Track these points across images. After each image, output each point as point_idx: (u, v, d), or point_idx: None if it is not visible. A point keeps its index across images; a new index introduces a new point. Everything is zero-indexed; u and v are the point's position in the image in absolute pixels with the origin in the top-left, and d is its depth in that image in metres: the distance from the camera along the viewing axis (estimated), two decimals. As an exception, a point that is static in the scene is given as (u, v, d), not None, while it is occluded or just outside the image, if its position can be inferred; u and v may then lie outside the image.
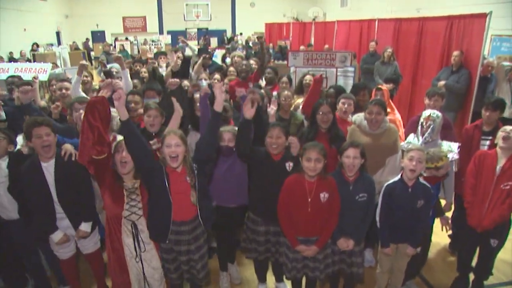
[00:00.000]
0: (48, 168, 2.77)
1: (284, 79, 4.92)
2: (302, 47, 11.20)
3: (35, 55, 12.19)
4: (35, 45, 15.00)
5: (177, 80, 3.69)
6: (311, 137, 3.27)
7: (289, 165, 2.87)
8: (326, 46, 10.73)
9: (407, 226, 2.88)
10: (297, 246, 2.77)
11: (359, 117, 3.42)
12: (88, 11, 21.84)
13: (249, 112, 2.72)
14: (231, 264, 3.50)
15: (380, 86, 4.35)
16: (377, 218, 2.94)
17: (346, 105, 3.68)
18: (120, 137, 2.70)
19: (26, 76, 4.72)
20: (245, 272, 3.62)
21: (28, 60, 11.71)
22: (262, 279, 3.35)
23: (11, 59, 12.31)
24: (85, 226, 2.89)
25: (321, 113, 3.25)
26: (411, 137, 3.41)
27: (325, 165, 2.67)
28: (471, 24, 5.79)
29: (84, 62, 4.54)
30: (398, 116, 4.06)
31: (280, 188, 2.76)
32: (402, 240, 2.96)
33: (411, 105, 7.40)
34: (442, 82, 5.68)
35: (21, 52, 13.81)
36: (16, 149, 3.05)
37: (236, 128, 3.00)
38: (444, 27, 6.40)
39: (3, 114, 3.31)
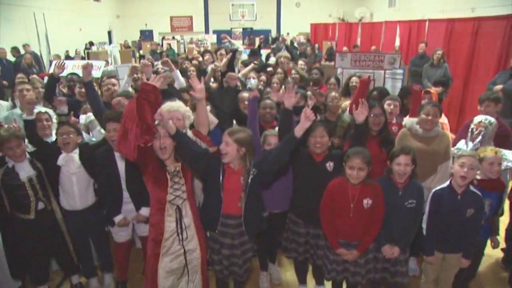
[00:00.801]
0: (121, 157, 3.04)
1: (332, 80, 4.87)
2: (345, 48, 11.00)
3: (89, 53, 12.81)
4: (88, 44, 15.78)
5: (236, 74, 3.67)
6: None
7: (329, 165, 2.85)
8: (373, 47, 10.52)
9: (456, 236, 2.76)
10: (338, 249, 2.74)
11: (410, 120, 3.34)
12: (138, 11, 22.65)
13: (289, 100, 2.72)
14: (272, 264, 3.50)
15: (428, 89, 4.23)
16: (423, 225, 2.84)
17: (392, 106, 3.62)
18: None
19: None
20: (286, 273, 3.62)
21: (83, 58, 12.35)
22: (302, 280, 3.34)
23: (67, 57, 13.09)
24: (145, 211, 3.09)
25: (372, 115, 3.18)
26: (462, 143, 3.28)
27: (369, 172, 2.62)
28: (535, 24, 5.46)
29: (136, 64, 4.70)
30: (445, 120, 3.98)
31: (322, 189, 2.73)
32: (450, 250, 2.84)
33: (462, 109, 7.10)
34: (499, 87, 5.36)
35: (76, 51, 14.59)
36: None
37: None
38: (503, 27, 6.07)
39: (65, 109, 3.52)
